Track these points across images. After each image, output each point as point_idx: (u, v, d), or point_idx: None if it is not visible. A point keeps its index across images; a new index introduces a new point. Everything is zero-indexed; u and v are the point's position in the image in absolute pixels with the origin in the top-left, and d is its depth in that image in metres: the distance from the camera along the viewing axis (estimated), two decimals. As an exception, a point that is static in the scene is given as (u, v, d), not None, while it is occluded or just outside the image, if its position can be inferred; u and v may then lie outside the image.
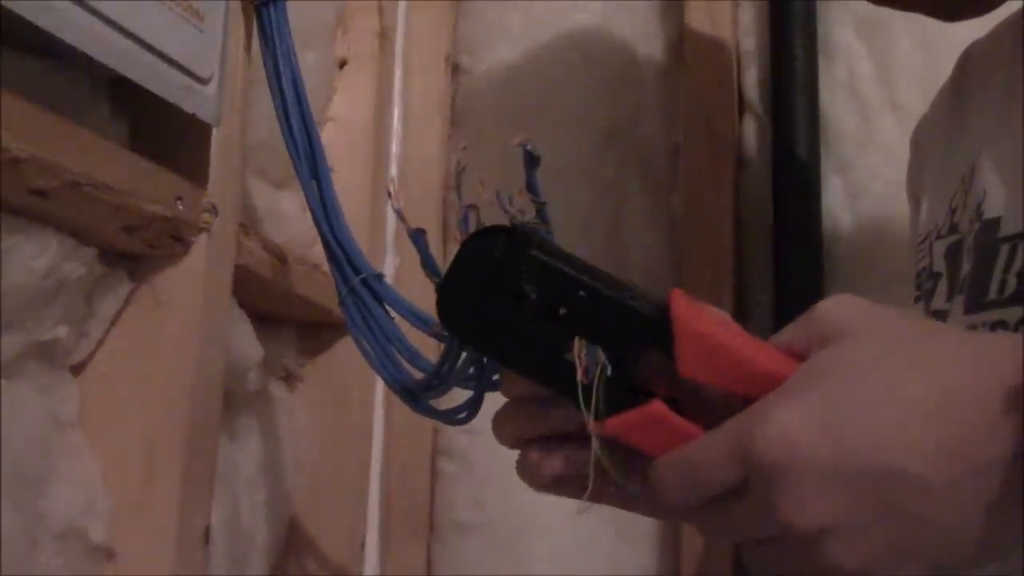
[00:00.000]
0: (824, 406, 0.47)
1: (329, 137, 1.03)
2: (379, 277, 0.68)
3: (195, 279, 0.71)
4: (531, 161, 0.52)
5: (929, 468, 0.45)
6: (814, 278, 1.12)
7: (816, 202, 1.13)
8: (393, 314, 0.66)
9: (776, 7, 1.17)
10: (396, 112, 1.17)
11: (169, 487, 0.69)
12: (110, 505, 0.68)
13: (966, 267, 0.67)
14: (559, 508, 0.52)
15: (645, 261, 1.19)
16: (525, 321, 0.50)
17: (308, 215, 0.73)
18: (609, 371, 0.50)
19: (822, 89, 1.15)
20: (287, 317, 0.98)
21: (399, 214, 0.59)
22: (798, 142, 1.13)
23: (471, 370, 0.55)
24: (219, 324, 0.74)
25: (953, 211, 0.71)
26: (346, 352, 1.00)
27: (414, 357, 0.62)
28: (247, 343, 0.86)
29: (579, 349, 0.50)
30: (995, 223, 0.65)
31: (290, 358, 1.00)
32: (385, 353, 0.64)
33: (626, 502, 0.54)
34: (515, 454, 0.55)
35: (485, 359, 0.55)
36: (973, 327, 0.64)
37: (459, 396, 0.58)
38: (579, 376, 0.50)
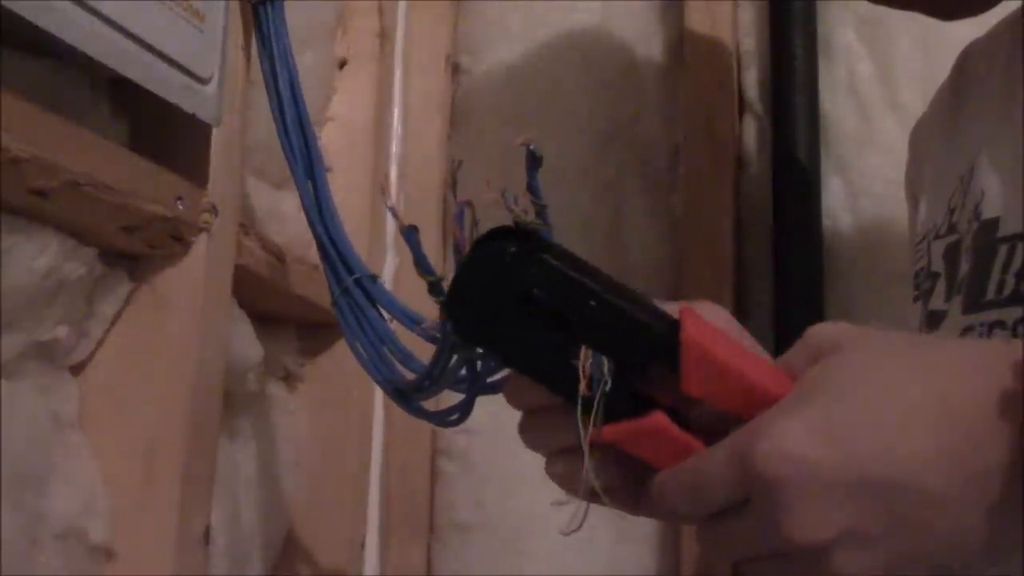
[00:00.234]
0: (824, 417, 0.47)
1: (329, 137, 1.03)
2: (373, 278, 0.68)
3: (195, 279, 0.71)
4: (533, 162, 0.51)
5: (931, 476, 0.45)
6: (814, 278, 1.12)
7: (816, 202, 1.13)
8: (387, 315, 0.66)
9: (776, 7, 1.17)
10: (396, 112, 1.17)
11: (169, 487, 0.69)
12: (110, 505, 0.68)
13: (964, 267, 0.67)
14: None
15: (645, 261, 1.19)
16: (533, 325, 0.50)
17: (307, 215, 0.73)
18: (608, 385, 0.50)
19: (822, 89, 1.15)
20: (287, 317, 0.98)
21: (392, 211, 0.59)
22: (798, 142, 1.13)
23: (463, 372, 0.55)
24: (219, 324, 0.74)
25: (952, 211, 0.71)
26: (346, 352, 0.99)
27: (406, 358, 0.62)
28: (247, 343, 0.86)
29: (584, 359, 0.50)
30: (994, 223, 0.65)
31: (290, 358, 1.00)
32: (377, 354, 0.64)
33: (635, 508, 0.54)
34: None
35: (479, 362, 0.55)
36: (971, 327, 0.64)
37: (452, 397, 0.58)
38: (581, 388, 0.49)
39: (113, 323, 0.71)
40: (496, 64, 1.24)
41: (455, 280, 0.51)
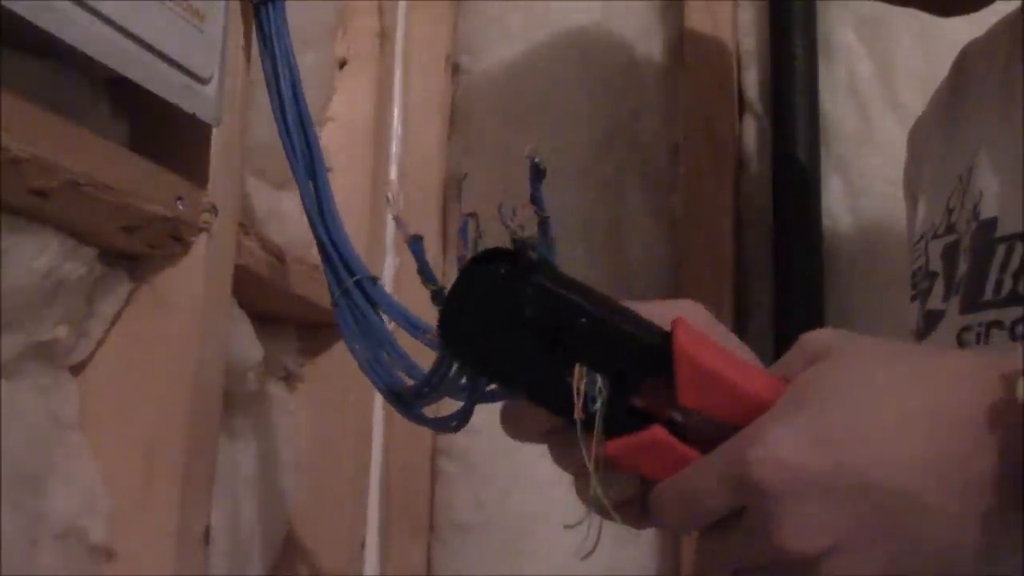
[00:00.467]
0: (816, 424, 0.46)
1: (329, 137, 1.03)
2: (373, 280, 0.68)
3: (195, 279, 0.71)
4: (537, 174, 0.51)
5: (923, 483, 0.45)
6: (814, 278, 1.12)
7: (816, 202, 1.13)
8: (387, 318, 0.66)
9: (776, 7, 1.17)
10: (396, 112, 1.17)
11: (169, 487, 0.69)
12: (110, 505, 0.68)
13: (963, 267, 0.67)
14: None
15: (645, 261, 1.19)
16: (527, 345, 0.50)
17: (308, 215, 0.73)
18: (599, 404, 0.50)
19: (822, 89, 1.15)
20: (287, 317, 0.98)
21: (398, 221, 0.59)
22: (798, 142, 1.13)
23: (463, 381, 0.55)
24: (219, 324, 0.74)
25: (950, 211, 0.71)
26: (346, 352, 0.99)
27: (406, 363, 0.62)
28: (247, 343, 0.86)
29: (579, 378, 0.50)
30: (992, 223, 0.65)
31: (290, 358, 1.00)
32: (376, 357, 0.64)
33: (640, 522, 0.53)
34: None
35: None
36: (968, 327, 0.64)
37: (452, 403, 0.58)
38: (577, 407, 0.49)
39: (113, 323, 0.71)
40: (496, 64, 1.24)
41: (447, 304, 0.51)
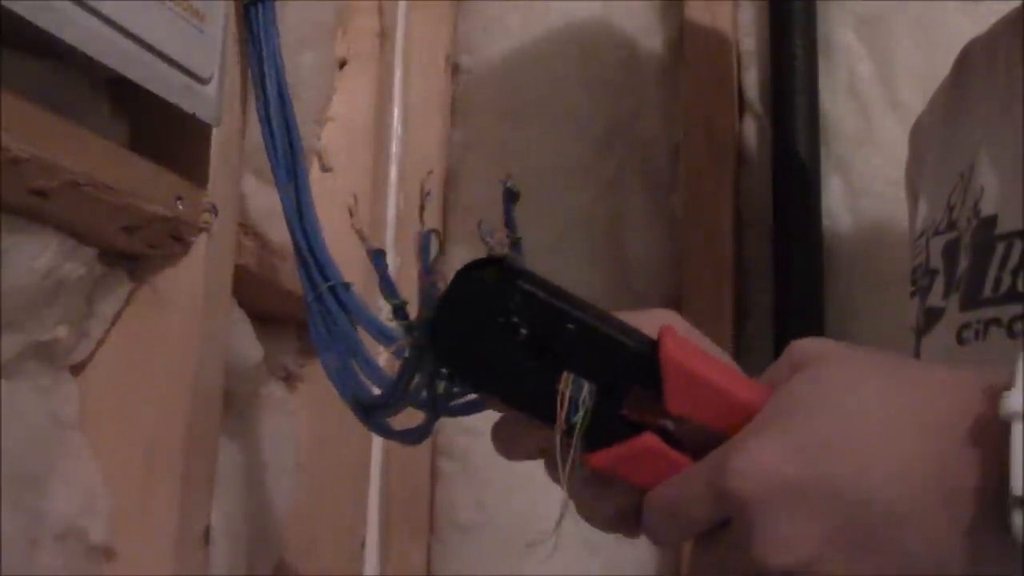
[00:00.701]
0: (798, 435, 0.46)
1: (329, 137, 1.03)
2: (347, 286, 0.67)
3: (195, 279, 0.71)
4: (510, 197, 0.51)
5: (905, 496, 0.45)
6: (814, 278, 1.12)
7: (816, 202, 1.13)
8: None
9: (776, 7, 1.17)
10: (396, 112, 1.17)
11: (169, 487, 0.69)
12: (110, 505, 0.68)
13: (963, 264, 0.67)
14: (559, 509, 0.52)
15: (645, 261, 1.19)
16: (515, 353, 0.50)
17: (308, 215, 0.73)
18: (582, 412, 0.49)
19: (822, 89, 1.15)
20: (287, 317, 0.98)
21: (359, 233, 0.59)
22: (798, 142, 1.13)
23: (424, 394, 0.54)
24: (219, 324, 0.74)
25: (951, 208, 0.70)
26: (346, 352, 1.00)
27: (374, 372, 0.61)
28: (247, 343, 0.86)
29: (565, 385, 0.50)
30: (992, 220, 0.65)
31: (290, 358, 0.99)
32: (343, 365, 0.63)
33: (634, 532, 0.53)
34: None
35: (443, 383, 0.54)
36: (968, 324, 0.64)
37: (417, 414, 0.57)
38: (559, 418, 0.49)
39: (113, 323, 0.71)
40: (496, 63, 1.24)
41: (436, 315, 0.51)
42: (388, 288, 0.55)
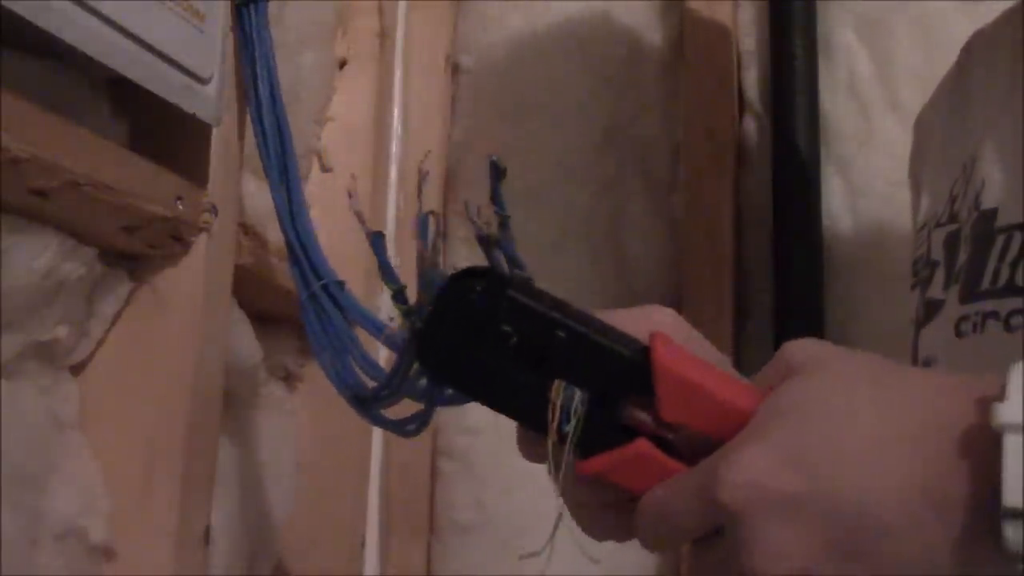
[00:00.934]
0: (788, 445, 0.46)
1: (329, 137, 1.03)
2: (340, 284, 0.68)
3: (195, 279, 0.71)
4: (496, 173, 0.51)
5: (896, 507, 0.44)
6: (814, 278, 1.12)
7: (816, 202, 1.13)
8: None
9: (776, 7, 1.17)
10: (396, 112, 1.17)
11: (169, 487, 0.69)
12: (110, 505, 0.68)
13: (963, 256, 0.67)
14: (557, 509, 0.52)
15: (645, 260, 1.19)
16: (507, 363, 0.50)
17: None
18: (574, 422, 0.49)
19: (822, 89, 1.15)
20: (287, 317, 0.98)
21: (358, 216, 0.58)
22: (798, 142, 1.13)
23: (422, 383, 0.55)
24: (219, 324, 0.74)
25: (953, 199, 0.70)
26: (346, 352, 1.00)
27: (370, 366, 0.61)
28: (247, 343, 0.86)
29: (556, 394, 0.49)
30: (992, 213, 0.64)
31: (290, 358, 1.00)
32: (340, 361, 0.63)
33: (628, 537, 0.53)
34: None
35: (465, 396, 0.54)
36: (966, 317, 0.64)
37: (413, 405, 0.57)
38: (551, 427, 0.49)
39: (113, 323, 0.71)
40: (496, 63, 1.24)
41: (424, 326, 0.51)
42: (388, 272, 0.55)
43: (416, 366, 0.54)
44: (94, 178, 0.61)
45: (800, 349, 0.50)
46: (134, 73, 0.63)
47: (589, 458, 0.50)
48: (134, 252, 0.70)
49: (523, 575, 1.18)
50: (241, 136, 0.77)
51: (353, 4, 1.07)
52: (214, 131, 0.72)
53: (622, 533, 0.52)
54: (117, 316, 0.71)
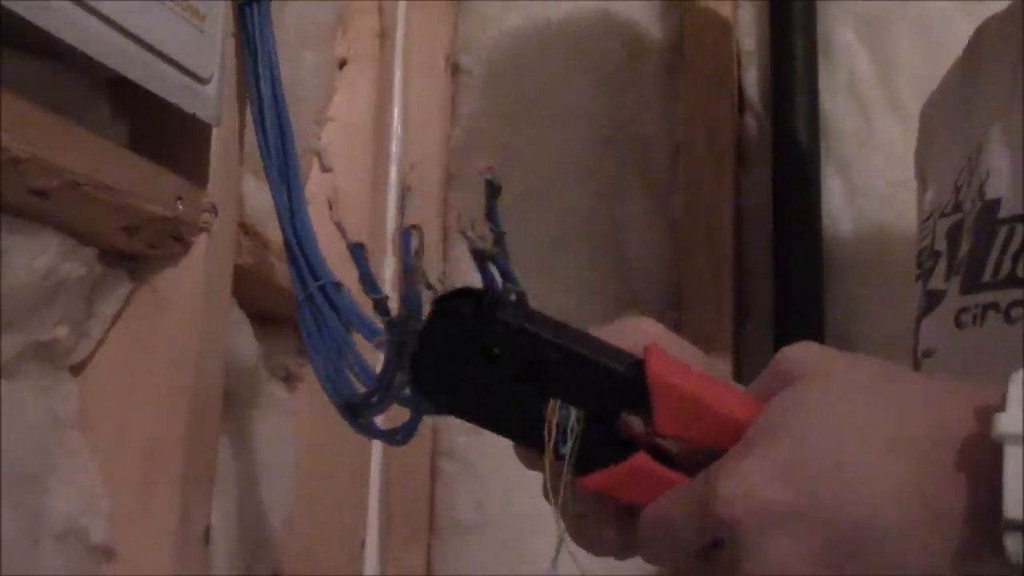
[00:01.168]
0: (786, 457, 0.46)
1: (329, 137, 1.03)
2: (338, 286, 0.67)
3: (195, 279, 0.71)
4: (491, 191, 0.50)
5: (895, 519, 0.44)
6: (814, 278, 1.12)
7: (816, 202, 1.13)
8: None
9: (776, 7, 1.17)
10: (396, 112, 1.17)
11: (169, 487, 0.69)
12: (110, 505, 0.68)
13: (964, 247, 0.66)
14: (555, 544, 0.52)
15: (645, 260, 1.19)
16: (500, 384, 0.50)
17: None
18: (571, 443, 0.49)
19: (822, 89, 1.15)
20: (287, 317, 0.98)
21: (339, 227, 0.58)
22: (798, 142, 1.13)
23: (408, 392, 0.54)
24: (219, 324, 0.74)
25: (958, 189, 0.70)
26: (346, 352, 1.00)
27: (363, 372, 0.61)
28: (247, 343, 0.86)
29: (552, 414, 0.49)
30: (995, 204, 0.64)
31: (290, 358, 0.99)
32: (333, 365, 0.63)
33: (629, 554, 0.53)
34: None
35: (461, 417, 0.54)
36: (967, 308, 0.63)
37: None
38: (547, 448, 0.49)
39: (113, 323, 0.71)
40: (496, 63, 1.24)
41: (416, 349, 0.51)
42: (369, 283, 0.55)
43: (399, 376, 0.53)
44: (94, 178, 0.61)
45: (797, 355, 0.50)
46: (134, 73, 0.63)
47: (588, 475, 0.50)
48: (134, 252, 0.70)
49: (523, 575, 1.18)
50: (241, 136, 0.77)
51: (353, 4, 1.07)
52: (214, 131, 0.72)
53: (623, 549, 0.52)
54: (117, 316, 0.71)
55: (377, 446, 1.10)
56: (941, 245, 0.70)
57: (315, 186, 0.99)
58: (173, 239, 0.70)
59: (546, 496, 0.51)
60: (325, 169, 1.01)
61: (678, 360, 0.50)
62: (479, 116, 1.24)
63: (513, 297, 0.50)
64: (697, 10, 1.18)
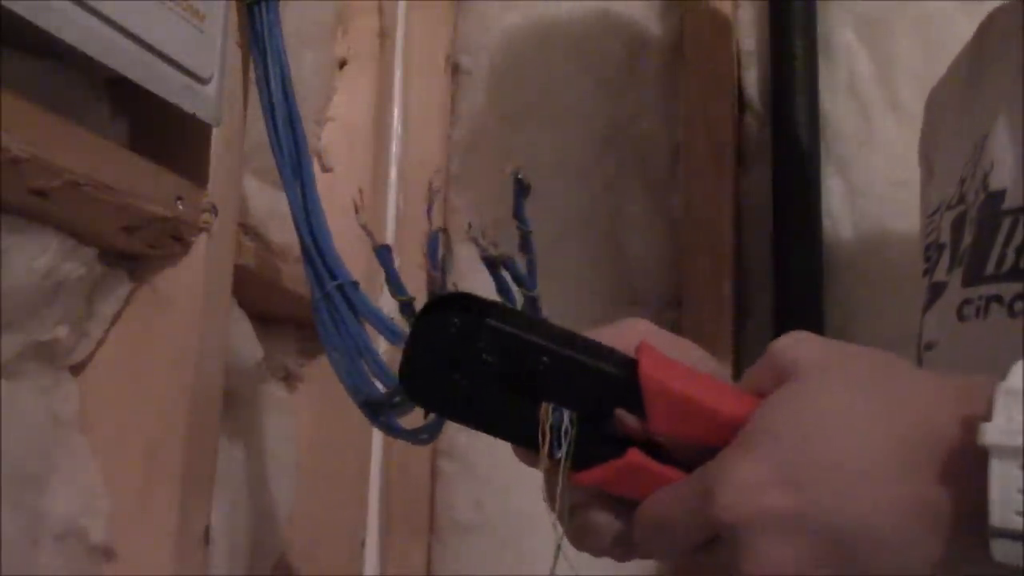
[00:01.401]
0: (781, 459, 0.46)
1: (329, 137, 1.03)
2: (355, 285, 0.67)
3: (195, 279, 0.71)
4: (521, 190, 0.50)
5: (891, 523, 0.45)
6: (814, 278, 1.12)
7: (816, 202, 1.13)
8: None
9: (776, 7, 1.17)
10: (396, 112, 1.17)
11: (169, 487, 0.69)
12: (110, 505, 0.68)
13: (967, 239, 0.66)
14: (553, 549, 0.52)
15: (645, 260, 1.19)
16: (492, 389, 0.50)
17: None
18: (566, 445, 0.49)
19: (822, 89, 1.15)
20: (287, 317, 0.98)
21: (365, 229, 0.58)
22: (798, 142, 1.13)
23: None
24: (219, 324, 0.74)
25: (963, 181, 0.69)
26: (346, 352, 1.00)
27: (382, 371, 0.61)
28: (247, 343, 0.86)
29: (545, 417, 0.49)
30: (1000, 195, 0.64)
31: (290, 358, 1.00)
32: (353, 364, 0.63)
33: (629, 554, 0.53)
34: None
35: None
36: (969, 301, 0.63)
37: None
38: (542, 452, 0.49)
39: (113, 323, 0.71)
40: (496, 64, 1.24)
41: (405, 356, 0.51)
42: (395, 284, 0.55)
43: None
44: (94, 178, 0.61)
45: (791, 348, 0.50)
46: (134, 73, 0.63)
47: (582, 472, 0.50)
48: (134, 252, 0.70)
49: (523, 575, 1.18)
50: (241, 136, 0.77)
51: (353, 4, 1.07)
52: (214, 131, 0.72)
53: (621, 547, 0.52)
54: (117, 316, 0.71)
55: (377, 446, 1.10)
56: (946, 237, 0.69)
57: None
58: (173, 239, 0.70)
59: (546, 500, 0.51)
60: (325, 169, 1.01)
61: (671, 359, 0.51)
62: (479, 116, 1.24)
63: (520, 301, 0.50)
64: (697, 10, 1.18)
